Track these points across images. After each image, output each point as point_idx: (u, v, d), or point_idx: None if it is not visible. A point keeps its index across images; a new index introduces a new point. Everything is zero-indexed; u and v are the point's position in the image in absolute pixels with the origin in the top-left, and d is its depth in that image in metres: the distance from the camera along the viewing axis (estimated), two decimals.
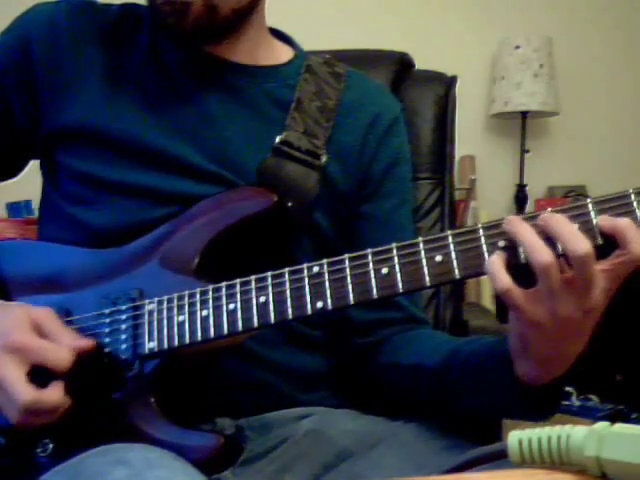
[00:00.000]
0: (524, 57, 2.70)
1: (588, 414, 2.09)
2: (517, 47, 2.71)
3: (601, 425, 0.43)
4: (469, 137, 2.67)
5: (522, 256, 0.64)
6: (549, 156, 2.95)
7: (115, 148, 0.86)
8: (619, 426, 0.42)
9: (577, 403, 2.16)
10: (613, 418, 2.10)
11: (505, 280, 0.64)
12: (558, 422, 0.47)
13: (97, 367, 0.77)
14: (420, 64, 1.38)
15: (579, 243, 0.61)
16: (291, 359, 0.88)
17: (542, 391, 0.70)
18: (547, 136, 2.97)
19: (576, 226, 0.63)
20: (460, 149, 1.29)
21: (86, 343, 0.76)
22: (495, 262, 0.65)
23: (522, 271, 0.65)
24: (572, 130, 2.94)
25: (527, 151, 2.82)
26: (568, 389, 2.18)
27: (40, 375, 0.73)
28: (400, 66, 1.31)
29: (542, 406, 0.71)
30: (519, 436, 0.45)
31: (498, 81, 2.77)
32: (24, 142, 0.92)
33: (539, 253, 0.62)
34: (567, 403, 2.16)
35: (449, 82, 1.29)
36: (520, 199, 2.82)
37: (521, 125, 2.80)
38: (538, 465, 0.44)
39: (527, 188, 2.82)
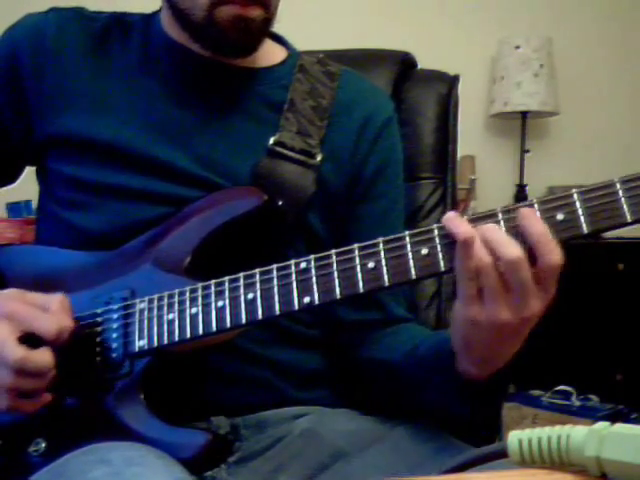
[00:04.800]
0: (524, 57, 2.70)
1: (588, 414, 2.09)
2: (517, 47, 2.71)
3: (601, 425, 0.43)
4: (469, 137, 2.67)
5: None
6: (549, 156, 2.95)
7: (104, 153, 0.87)
8: (619, 426, 0.42)
9: (577, 403, 2.16)
10: (613, 418, 2.10)
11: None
12: (558, 422, 0.47)
13: (88, 366, 0.78)
14: (420, 64, 1.38)
15: (510, 248, 0.63)
16: (287, 357, 0.88)
17: (482, 388, 0.72)
18: (547, 136, 2.98)
19: (503, 231, 0.65)
20: (460, 149, 1.28)
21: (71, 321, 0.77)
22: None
23: None
24: (572, 130, 2.94)
25: (527, 151, 2.82)
26: (568, 389, 2.18)
27: (33, 346, 0.74)
28: (402, 65, 1.31)
29: (482, 403, 0.73)
30: (519, 436, 0.45)
31: (498, 81, 2.77)
32: (18, 150, 0.93)
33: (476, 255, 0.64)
34: (567, 403, 2.16)
35: (451, 81, 1.29)
36: (520, 199, 2.82)
37: (521, 125, 2.80)
38: (538, 465, 0.44)
39: (527, 188, 2.82)
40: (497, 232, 0.64)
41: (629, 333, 2.43)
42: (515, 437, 0.45)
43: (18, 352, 0.72)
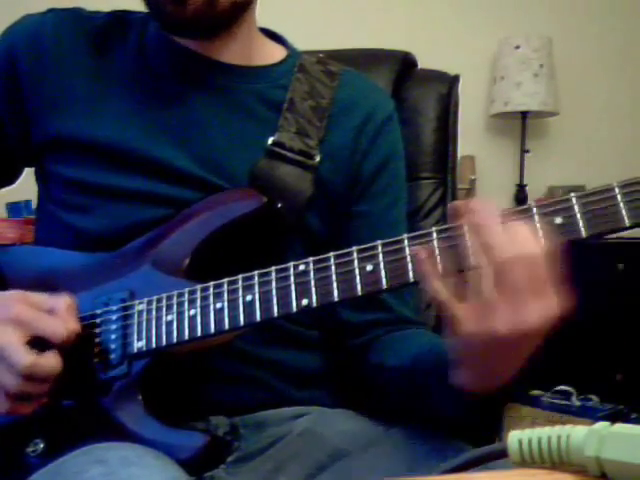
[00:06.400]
0: (524, 57, 2.70)
1: (588, 414, 2.09)
2: (517, 47, 2.72)
3: (601, 425, 0.43)
4: (469, 137, 2.67)
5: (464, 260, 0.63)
6: (549, 156, 2.95)
7: (103, 155, 0.86)
8: (619, 426, 0.42)
9: (577, 403, 2.16)
10: (613, 418, 2.10)
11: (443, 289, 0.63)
12: (558, 422, 0.47)
13: (86, 367, 0.78)
14: (420, 64, 1.38)
15: (505, 247, 0.60)
16: (285, 357, 0.88)
17: (480, 401, 0.70)
18: (547, 136, 2.98)
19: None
20: (460, 149, 1.28)
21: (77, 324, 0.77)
22: (427, 267, 0.64)
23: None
24: (572, 130, 2.94)
25: (527, 151, 2.82)
26: (568, 389, 2.18)
27: (38, 349, 0.74)
28: (403, 65, 1.31)
29: (482, 416, 0.72)
30: (519, 436, 0.45)
31: (498, 81, 2.77)
32: (16, 151, 0.93)
33: (477, 258, 0.61)
34: (567, 403, 2.16)
35: (452, 81, 1.29)
36: (520, 199, 2.82)
37: (521, 125, 2.80)
38: (538, 465, 0.44)
39: (527, 188, 2.82)
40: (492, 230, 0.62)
41: (629, 333, 2.42)
42: (515, 437, 0.45)
43: (28, 358, 0.72)
